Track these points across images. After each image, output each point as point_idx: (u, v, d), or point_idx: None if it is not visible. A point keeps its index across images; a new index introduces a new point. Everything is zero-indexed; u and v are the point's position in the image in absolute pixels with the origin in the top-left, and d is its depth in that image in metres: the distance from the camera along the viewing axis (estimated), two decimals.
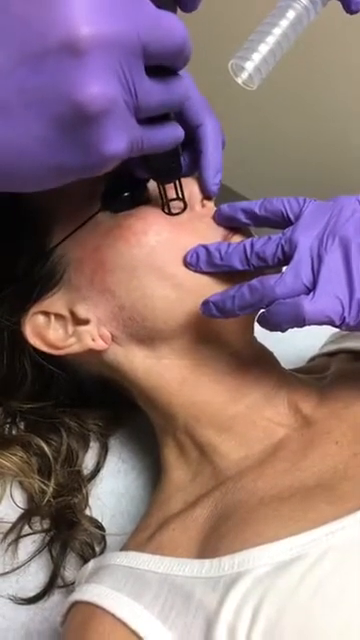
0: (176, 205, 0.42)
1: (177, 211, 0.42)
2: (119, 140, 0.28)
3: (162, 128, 0.32)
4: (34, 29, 0.26)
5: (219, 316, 0.39)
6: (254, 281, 0.37)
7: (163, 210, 0.42)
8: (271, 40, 0.39)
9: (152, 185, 0.43)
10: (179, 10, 0.33)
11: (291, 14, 0.40)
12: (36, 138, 0.27)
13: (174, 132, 0.33)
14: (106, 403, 0.54)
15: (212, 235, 0.42)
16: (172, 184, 0.42)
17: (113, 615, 0.35)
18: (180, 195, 0.42)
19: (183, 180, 0.42)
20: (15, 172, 0.29)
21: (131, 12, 0.27)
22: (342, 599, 0.30)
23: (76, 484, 0.51)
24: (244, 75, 0.40)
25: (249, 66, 0.39)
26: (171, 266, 0.41)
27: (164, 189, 0.41)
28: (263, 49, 0.39)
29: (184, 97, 0.32)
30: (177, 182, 0.42)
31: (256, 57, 0.39)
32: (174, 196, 0.42)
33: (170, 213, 0.42)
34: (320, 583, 0.31)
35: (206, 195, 0.44)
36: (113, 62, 0.27)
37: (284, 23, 0.40)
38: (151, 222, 0.41)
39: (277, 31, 0.40)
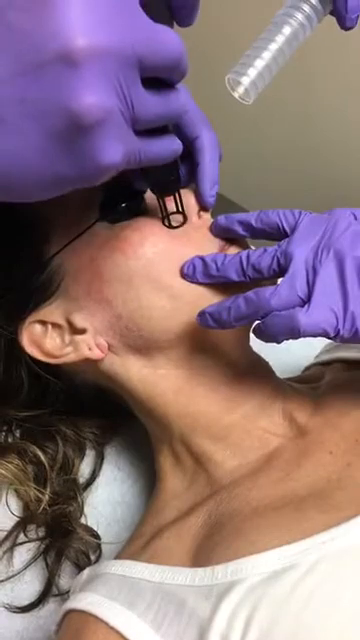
0: (175, 218, 0.43)
1: (177, 224, 0.43)
2: (115, 151, 0.28)
3: (160, 140, 0.33)
4: (31, 40, 0.26)
5: (215, 327, 0.40)
6: (250, 293, 0.38)
7: (163, 223, 0.42)
8: (267, 55, 0.40)
9: (149, 196, 0.43)
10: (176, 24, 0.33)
11: (287, 30, 0.40)
12: (33, 148, 0.28)
13: (172, 145, 0.34)
14: (102, 411, 0.54)
15: (208, 246, 0.43)
16: (170, 196, 0.42)
17: (107, 624, 0.35)
18: (180, 208, 0.42)
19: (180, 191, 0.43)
20: (12, 182, 0.29)
21: (127, 25, 0.27)
22: (334, 608, 0.30)
23: (72, 492, 0.51)
24: (240, 89, 0.40)
25: (245, 81, 0.40)
26: (168, 277, 0.41)
27: (163, 201, 0.42)
28: (259, 64, 0.40)
29: (182, 109, 0.32)
30: (177, 195, 0.42)
31: (252, 72, 0.40)
32: (172, 207, 0.42)
33: (170, 226, 0.42)
34: (312, 592, 0.31)
35: (202, 207, 0.44)
36: (109, 73, 0.27)
37: (280, 39, 0.40)
38: (148, 233, 0.42)
39: (273, 46, 0.40)
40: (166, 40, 0.29)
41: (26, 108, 0.27)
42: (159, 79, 0.30)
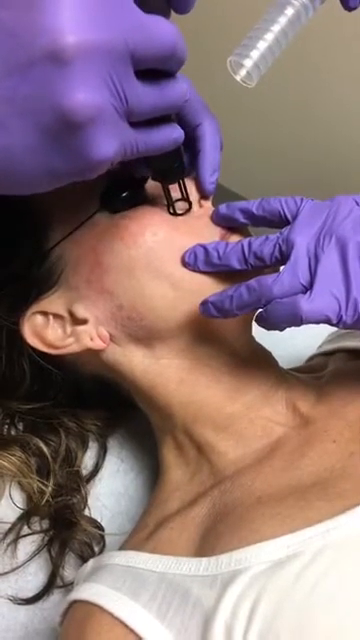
0: (179, 206, 0.42)
1: (182, 211, 0.42)
2: (108, 145, 0.29)
3: (160, 130, 0.33)
4: (20, 39, 0.26)
5: (218, 316, 0.39)
6: (252, 281, 0.38)
7: (168, 211, 0.42)
8: (269, 37, 0.39)
9: (150, 185, 0.43)
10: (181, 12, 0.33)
11: (289, 11, 0.40)
12: (25, 146, 0.28)
13: (173, 133, 0.34)
14: (105, 403, 0.54)
15: (210, 235, 0.42)
16: (175, 184, 0.42)
17: (111, 614, 0.35)
18: (184, 195, 0.42)
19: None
20: (7, 177, 0.29)
21: (117, 19, 0.27)
22: (338, 597, 0.30)
23: (75, 484, 0.51)
24: (242, 72, 0.40)
25: (247, 63, 0.39)
26: (169, 266, 0.41)
27: (167, 189, 0.41)
28: (261, 46, 0.39)
29: (180, 99, 0.32)
30: (181, 182, 0.42)
31: (254, 54, 0.39)
32: (176, 196, 0.42)
33: (175, 214, 0.42)
34: (316, 581, 0.31)
35: (203, 194, 0.44)
36: (99, 69, 0.27)
37: (282, 20, 0.40)
38: (148, 222, 0.41)
39: (275, 28, 0.39)
40: (158, 31, 0.28)
41: (17, 107, 0.27)
42: (156, 69, 0.30)
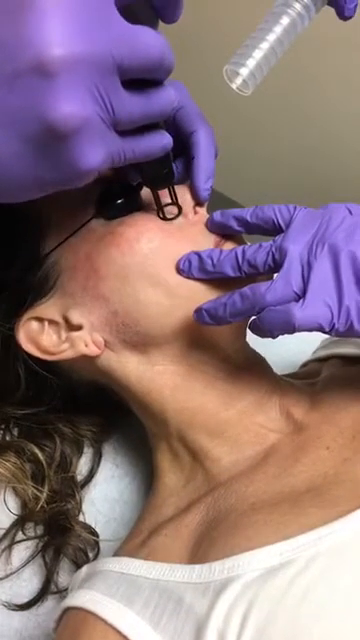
0: (170, 210, 0.43)
1: (171, 216, 0.43)
2: (95, 155, 0.29)
3: (148, 137, 0.33)
4: (6, 51, 0.26)
5: (212, 323, 0.40)
6: (245, 288, 0.38)
7: (158, 215, 0.42)
8: (265, 46, 0.40)
9: (145, 192, 0.43)
10: (181, 19, 0.33)
11: (285, 20, 0.40)
12: (12, 155, 0.28)
13: (162, 140, 0.34)
14: (100, 409, 0.54)
15: (204, 242, 0.43)
16: (166, 189, 0.42)
17: (105, 621, 0.35)
18: (174, 200, 0.42)
19: (176, 188, 0.43)
20: None
21: (102, 31, 0.27)
22: (330, 605, 0.30)
23: (70, 490, 0.51)
24: (238, 81, 0.40)
25: (243, 72, 0.39)
26: (164, 273, 0.41)
27: (158, 195, 0.41)
28: (257, 55, 0.40)
29: (168, 107, 0.32)
30: (171, 187, 0.42)
31: (250, 63, 0.39)
32: (168, 201, 0.42)
33: (165, 218, 0.42)
34: (309, 588, 0.31)
35: (197, 201, 0.44)
36: (85, 81, 0.27)
37: (278, 29, 0.40)
38: (143, 229, 0.41)
39: (271, 37, 0.40)
40: (144, 41, 0.29)
41: (3, 118, 0.27)
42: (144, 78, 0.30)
